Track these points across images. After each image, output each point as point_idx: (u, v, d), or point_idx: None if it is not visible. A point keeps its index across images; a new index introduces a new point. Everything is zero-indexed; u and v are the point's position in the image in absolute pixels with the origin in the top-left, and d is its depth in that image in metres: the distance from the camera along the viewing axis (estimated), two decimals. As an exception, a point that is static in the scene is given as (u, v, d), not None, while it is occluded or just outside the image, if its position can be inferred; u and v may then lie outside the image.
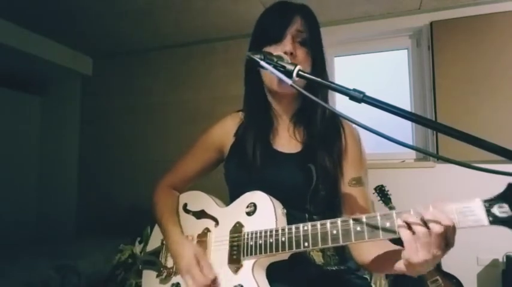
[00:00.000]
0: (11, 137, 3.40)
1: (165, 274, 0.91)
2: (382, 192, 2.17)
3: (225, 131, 1.04)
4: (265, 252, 0.76)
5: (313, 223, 0.72)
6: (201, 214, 0.95)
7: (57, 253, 2.33)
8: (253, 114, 0.98)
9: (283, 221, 0.80)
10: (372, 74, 2.87)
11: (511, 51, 2.34)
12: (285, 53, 0.84)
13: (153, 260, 0.96)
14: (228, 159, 1.01)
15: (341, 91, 0.62)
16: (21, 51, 2.81)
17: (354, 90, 0.61)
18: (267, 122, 0.98)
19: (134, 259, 2.00)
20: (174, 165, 1.09)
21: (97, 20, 2.69)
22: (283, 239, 0.74)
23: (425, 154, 2.75)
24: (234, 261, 0.80)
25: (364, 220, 0.66)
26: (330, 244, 0.69)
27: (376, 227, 0.65)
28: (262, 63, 0.71)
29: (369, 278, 0.95)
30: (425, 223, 0.59)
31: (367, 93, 0.60)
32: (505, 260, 2.23)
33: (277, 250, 0.75)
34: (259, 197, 0.83)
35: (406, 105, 2.68)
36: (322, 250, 0.88)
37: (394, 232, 0.63)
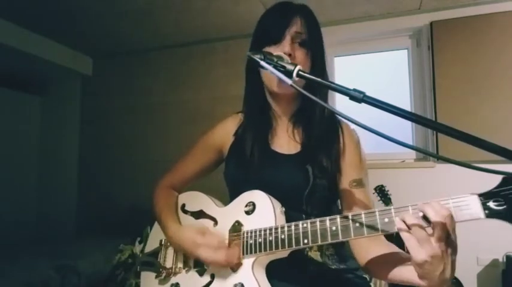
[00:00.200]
0: (11, 137, 3.41)
1: (164, 275, 0.91)
2: (382, 192, 2.17)
3: (226, 132, 1.04)
4: (265, 250, 0.76)
5: (313, 220, 0.72)
6: (199, 214, 0.95)
7: (57, 253, 2.33)
8: (252, 115, 0.99)
9: (282, 220, 0.80)
10: (372, 74, 2.87)
11: (511, 51, 2.34)
12: (284, 53, 0.84)
13: (152, 261, 0.96)
14: (227, 159, 1.01)
15: (341, 91, 0.62)
16: (21, 51, 2.81)
17: (354, 90, 0.61)
18: (266, 123, 0.99)
19: (134, 259, 2.00)
20: (174, 165, 1.10)
21: (97, 20, 2.69)
22: (282, 236, 0.75)
23: (425, 154, 2.75)
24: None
25: (362, 216, 0.67)
26: (329, 240, 0.70)
27: (375, 223, 0.65)
28: (262, 63, 0.71)
29: (368, 277, 0.95)
30: (425, 218, 0.59)
31: (367, 93, 0.60)
32: (505, 260, 2.23)
33: (276, 247, 0.75)
34: (258, 196, 0.84)
35: (406, 105, 2.69)
36: (321, 250, 0.88)
37: (392, 227, 0.63)
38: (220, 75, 3.02)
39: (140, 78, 3.30)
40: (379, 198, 2.15)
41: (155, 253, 0.98)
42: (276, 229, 0.76)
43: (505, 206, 0.56)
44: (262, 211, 0.81)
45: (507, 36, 2.35)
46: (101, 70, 3.45)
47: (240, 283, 0.77)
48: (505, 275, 2.18)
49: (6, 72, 3.36)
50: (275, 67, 0.70)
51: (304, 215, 0.86)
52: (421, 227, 0.59)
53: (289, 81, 0.68)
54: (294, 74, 0.68)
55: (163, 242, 0.97)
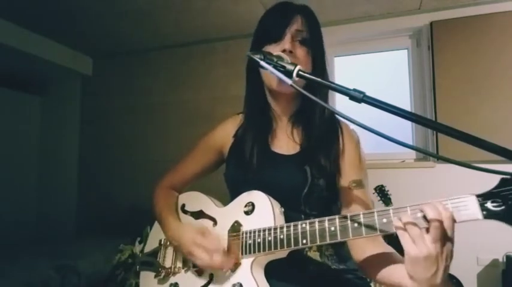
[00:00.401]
0: (11, 137, 3.41)
1: (163, 274, 0.91)
2: (382, 192, 2.17)
3: (226, 133, 1.04)
4: (264, 250, 0.76)
5: (311, 220, 0.72)
6: (199, 215, 0.95)
7: (57, 253, 2.33)
8: (252, 116, 0.99)
9: (281, 220, 0.80)
10: (372, 74, 2.87)
11: (511, 51, 2.34)
12: (284, 51, 0.85)
13: (151, 261, 0.97)
14: (227, 160, 1.02)
15: (341, 91, 0.62)
16: (21, 51, 2.81)
17: (354, 90, 0.61)
18: (266, 123, 0.99)
19: (134, 259, 2.00)
20: (174, 166, 1.10)
21: (97, 20, 2.69)
22: (281, 236, 0.75)
23: (425, 154, 2.75)
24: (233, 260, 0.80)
25: (361, 216, 0.67)
26: (328, 241, 0.70)
27: (373, 223, 0.65)
28: (262, 63, 0.71)
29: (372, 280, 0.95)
30: (425, 218, 0.59)
31: (367, 93, 0.60)
32: (505, 260, 2.23)
33: (275, 247, 0.75)
34: (257, 196, 0.84)
35: (406, 105, 2.69)
36: (320, 250, 0.88)
37: (390, 227, 0.63)
38: (220, 75, 3.02)
39: (140, 78, 3.30)
40: (379, 198, 2.15)
41: (154, 253, 0.98)
42: (275, 229, 0.76)
43: (503, 207, 0.56)
44: (261, 211, 0.81)
45: (507, 36, 2.35)
46: (101, 70, 3.45)
47: (238, 283, 0.77)
48: (505, 275, 2.18)
49: (6, 72, 3.36)
50: (275, 67, 0.70)
51: (303, 216, 0.86)
52: (415, 224, 0.59)
53: (289, 81, 0.68)
54: (294, 74, 0.68)
55: (162, 242, 0.97)
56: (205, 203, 0.97)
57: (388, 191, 2.17)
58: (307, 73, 0.69)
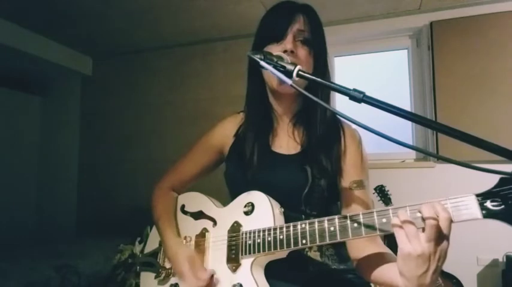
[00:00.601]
0: (11, 137, 3.40)
1: (163, 275, 0.91)
2: (382, 192, 2.17)
3: (225, 132, 1.04)
4: (264, 250, 0.76)
5: (311, 220, 0.73)
6: (199, 215, 0.95)
7: (57, 253, 2.33)
8: (254, 115, 0.98)
9: (281, 220, 0.80)
10: (372, 74, 2.88)
11: (511, 51, 2.34)
12: (285, 51, 0.84)
13: (151, 262, 0.96)
14: (227, 159, 1.01)
15: (341, 91, 0.62)
16: (21, 51, 2.81)
17: (354, 90, 0.60)
18: (267, 123, 0.99)
19: (134, 259, 2.00)
20: (174, 166, 1.09)
21: (97, 20, 2.69)
22: (281, 237, 0.75)
23: (425, 154, 2.75)
24: (233, 260, 0.81)
25: (361, 216, 0.67)
26: (327, 241, 0.70)
27: (373, 223, 0.65)
28: (262, 63, 0.71)
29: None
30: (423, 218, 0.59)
31: (367, 93, 0.60)
32: (505, 260, 2.23)
33: (275, 248, 0.75)
34: (256, 196, 0.84)
35: (406, 105, 2.69)
36: (320, 250, 0.88)
37: (390, 227, 0.63)
38: (220, 75, 3.02)
39: (140, 78, 3.30)
40: (379, 198, 2.16)
41: (155, 254, 0.98)
42: (275, 229, 0.76)
43: (502, 207, 0.56)
44: (261, 212, 0.81)
45: (507, 36, 2.35)
46: (101, 70, 3.45)
47: (238, 283, 0.77)
48: (505, 275, 2.18)
49: (6, 72, 3.36)
50: (275, 67, 0.70)
51: (303, 216, 0.86)
52: (411, 223, 0.59)
53: (289, 81, 0.68)
54: (294, 74, 0.68)
55: (162, 243, 0.97)
56: (205, 203, 0.96)
57: (388, 191, 2.17)
58: (307, 73, 0.69)
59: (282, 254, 0.79)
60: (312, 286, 0.83)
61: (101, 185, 3.30)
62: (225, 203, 0.94)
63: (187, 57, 3.16)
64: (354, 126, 0.96)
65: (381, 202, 2.13)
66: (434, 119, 2.37)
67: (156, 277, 0.93)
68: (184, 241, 0.92)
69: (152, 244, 1.01)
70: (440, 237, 0.58)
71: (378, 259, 0.76)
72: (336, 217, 0.70)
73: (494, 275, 2.27)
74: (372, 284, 0.88)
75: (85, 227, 3.25)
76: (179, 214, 1.00)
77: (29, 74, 3.51)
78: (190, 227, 0.94)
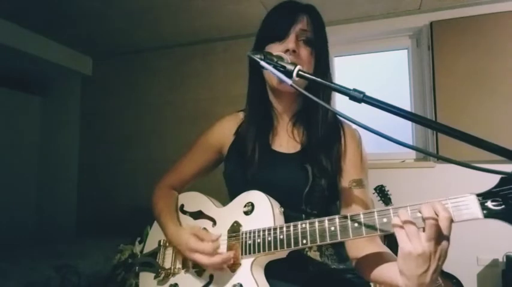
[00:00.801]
0: (11, 137, 3.40)
1: (162, 275, 0.91)
2: (382, 192, 2.17)
3: (224, 131, 1.04)
4: (264, 250, 0.76)
5: (311, 220, 0.72)
6: (198, 215, 0.95)
7: (57, 253, 2.33)
8: (254, 114, 0.98)
9: (280, 220, 0.80)
10: (372, 74, 2.87)
11: (511, 51, 2.34)
12: (287, 50, 0.84)
13: (151, 262, 0.96)
14: (227, 158, 1.01)
15: (341, 91, 0.62)
16: (21, 51, 2.80)
17: (354, 90, 0.61)
18: (268, 122, 0.99)
19: (134, 259, 2.00)
20: (173, 166, 1.10)
21: (97, 20, 2.69)
22: (281, 237, 0.75)
23: (425, 154, 2.75)
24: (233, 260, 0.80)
25: (361, 216, 0.67)
26: (328, 241, 0.70)
27: (373, 223, 0.65)
28: (262, 63, 0.71)
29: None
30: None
31: (367, 93, 0.60)
32: (505, 260, 2.23)
33: (275, 248, 0.75)
34: (256, 196, 0.84)
35: (406, 105, 2.69)
36: (320, 250, 0.88)
37: (391, 227, 0.63)
38: (220, 75, 3.02)
39: (140, 78, 3.30)
40: (379, 198, 2.16)
41: (154, 254, 0.98)
42: (275, 229, 0.76)
43: (503, 206, 0.56)
44: (260, 211, 0.81)
45: (507, 36, 2.35)
46: (101, 70, 3.45)
47: (238, 283, 0.77)
48: (505, 275, 2.18)
49: (6, 72, 3.36)
50: (275, 67, 0.70)
51: (303, 215, 0.86)
52: (412, 223, 0.59)
53: (289, 81, 0.68)
54: (294, 74, 0.68)
55: (162, 243, 0.97)
56: (204, 203, 0.96)
57: (388, 191, 2.17)
58: (307, 73, 0.69)
59: (282, 254, 0.79)
60: (312, 286, 0.83)
61: (101, 185, 3.30)
62: (224, 203, 0.94)
63: (187, 57, 3.16)
64: (354, 126, 0.96)
65: (381, 202, 2.13)
66: (434, 119, 2.37)
67: (155, 277, 0.92)
68: None
69: (151, 244, 1.01)
70: (440, 236, 0.58)
71: (377, 259, 0.76)
72: (337, 216, 0.70)
73: (494, 275, 2.27)
74: (372, 284, 0.88)
75: (85, 227, 3.25)
76: (178, 213, 1.00)
77: (29, 74, 3.50)
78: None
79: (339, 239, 0.68)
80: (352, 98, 0.61)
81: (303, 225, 0.73)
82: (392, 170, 2.53)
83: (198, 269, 0.87)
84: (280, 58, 0.73)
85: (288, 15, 0.89)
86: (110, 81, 3.41)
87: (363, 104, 0.60)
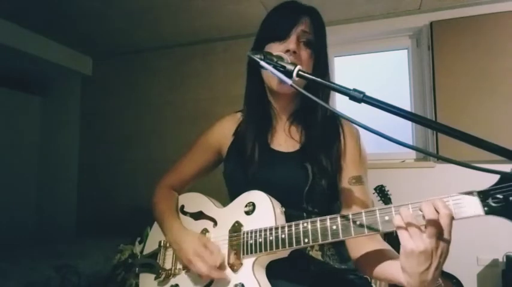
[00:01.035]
0: (11, 137, 3.40)
1: (163, 276, 0.91)
2: (382, 192, 2.17)
3: (223, 131, 1.04)
4: (265, 250, 0.76)
5: (313, 219, 0.72)
6: (199, 215, 0.95)
7: (57, 253, 2.33)
8: (253, 113, 0.98)
9: (282, 220, 0.80)
10: (372, 74, 2.87)
11: (511, 51, 2.34)
12: (288, 51, 0.84)
13: (151, 263, 0.96)
14: (226, 158, 1.01)
15: (341, 91, 0.62)
16: (21, 51, 2.80)
17: (354, 90, 0.60)
18: (266, 121, 0.99)
19: (134, 259, 2.00)
20: (173, 166, 1.10)
21: (97, 20, 2.69)
22: (283, 236, 0.75)
23: (425, 154, 2.75)
24: (234, 260, 0.80)
25: (363, 214, 0.67)
26: (330, 239, 0.70)
27: (375, 222, 0.65)
28: (262, 63, 0.71)
29: (369, 278, 0.95)
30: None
31: (367, 93, 0.60)
32: (505, 260, 2.23)
33: (277, 247, 0.75)
34: (257, 196, 0.84)
35: (406, 105, 2.69)
36: (322, 250, 0.88)
37: (392, 225, 0.63)
38: (220, 75, 3.02)
39: (140, 78, 3.30)
40: (379, 198, 2.15)
41: (154, 255, 0.97)
42: (276, 228, 0.76)
43: (504, 203, 0.56)
44: (262, 211, 0.81)
45: (507, 36, 2.35)
46: (101, 70, 3.45)
47: (240, 283, 0.77)
48: (505, 275, 2.18)
49: (6, 72, 3.36)
50: (275, 67, 0.70)
51: (305, 214, 0.86)
52: (413, 220, 0.59)
53: (289, 81, 0.68)
54: (294, 74, 0.68)
55: (162, 244, 0.97)
56: (205, 203, 0.96)
57: (388, 191, 2.17)
58: (307, 73, 0.69)
59: (283, 253, 0.79)
60: (314, 286, 0.83)
61: (101, 185, 3.30)
62: (225, 203, 0.94)
63: (187, 57, 3.16)
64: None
65: (381, 202, 2.13)
66: (434, 119, 2.37)
67: (156, 278, 0.92)
68: None
69: (152, 244, 1.01)
70: (441, 234, 0.58)
71: (379, 256, 0.76)
72: (338, 215, 0.70)
73: (494, 275, 2.27)
74: (374, 285, 0.88)
75: (85, 227, 3.25)
76: (179, 214, 0.99)
77: (29, 74, 3.50)
78: (190, 227, 0.93)
79: (341, 237, 0.68)
80: (352, 98, 0.61)
81: (305, 224, 0.73)
82: (392, 170, 2.53)
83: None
84: (280, 58, 0.72)
85: (290, 16, 0.89)
86: (110, 81, 3.41)
87: (363, 104, 0.60)
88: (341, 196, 0.90)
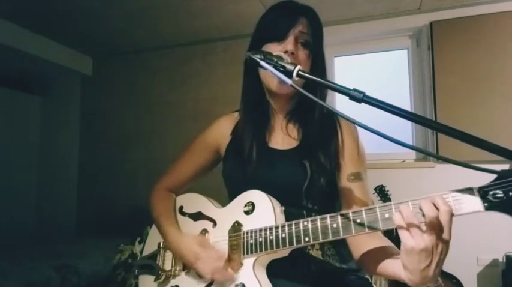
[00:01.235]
0: (11, 137, 3.40)
1: (163, 277, 0.90)
2: (382, 192, 2.17)
3: (220, 131, 1.04)
4: (266, 249, 0.76)
5: (313, 218, 0.72)
6: (198, 216, 0.95)
7: (57, 253, 2.33)
8: (250, 112, 0.98)
9: (282, 219, 0.80)
10: (372, 74, 2.87)
11: (511, 51, 2.34)
12: (286, 52, 0.84)
13: (150, 264, 0.95)
14: (225, 158, 1.01)
15: (341, 91, 0.62)
16: (21, 51, 2.81)
17: (354, 90, 0.60)
18: (264, 120, 0.99)
19: (134, 259, 2.00)
20: (171, 167, 1.09)
21: (97, 20, 2.69)
22: (283, 235, 0.75)
23: (425, 154, 2.75)
24: (234, 260, 0.80)
25: (363, 212, 0.67)
26: (330, 238, 0.69)
27: (375, 219, 0.65)
28: (262, 63, 0.71)
29: (369, 278, 0.95)
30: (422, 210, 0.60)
31: (367, 93, 0.60)
32: (505, 260, 2.23)
33: (277, 246, 0.75)
34: (257, 195, 0.83)
35: (406, 105, 2.69)
36: (322, 249, 0.88)
37: (393, 223, 0.63)
38: (220, 75, 3.02)
39: (140, 78, 3.30)
40: (379, 198, 2.16)
41: (154, 256, 0.97)
42: (277, 227, 0.76)
43: (504, 198, 0.56)
44: (261, 211, 0.81)
45: (507, 36, 2.35)
46: (101, 70, 3.45)
47: (241, 283, 0.77)
48: (505, 275, 2.18)
49: (6, 72, 3.36)
50: (275, 67, 0.70)
51: (305, 212, 0.86)
52: (413, 217, 0.59)
53: (289, 81, 0.68)
54: (294, 74, 0.68)
55: (161, 245, 0.96)
56: (203, 204, 0.96)
57: (388, 191, 2.17)
58: (307, 73, 0.69)
59: (284, 252, 0.79)
60: (314, 285, 0.83)
61: (101, 185, 3.30)
62: (224, 204, 0.93)
63: (187, 57, 3.16)
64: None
65: (381, 202, 2.12)
66: (434, 119, 2.37)
67: (156, 280, 0.92)
68: None
69: (151, 246, 1.01)
70: (441, 230, 0.58)
71: (380, 253, 0.76)
72: (338, 213, 0.70)
73: (494, 275, 2.27)
74: (374, 286, 0.88)
75: (85, 227, 3.25)
76: (178, 215, 0.99)
77: (29, 74, 3.50)
78: (189, 228, 0.93)
79: (341, 235, 0.68)
80: (352, 98, 0.61)
81: (305, 223, 0.73)
82: (392, 170, 2.53)
83: (199, 271, 0.87)
84: (280, 58, 0.72)
85: (288, 16, 0.89)
86: (110, 81, 3.41)
87: (362, 104, 0.60)
88: (340, 193, 0.90)
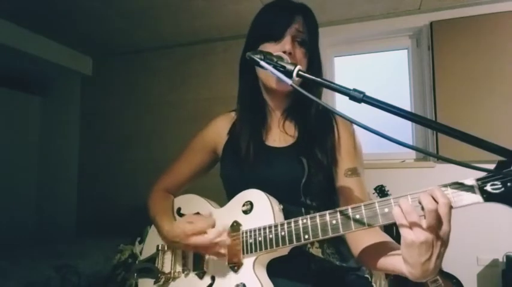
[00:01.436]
0: (11, 137, 3.40)
1: (163, 280, 0.90)
2: (382, 192, 2.17)
3: (218, 130, 1.04)
4: (265, 248, 0.76)
5: (312, 215, 0.72)
6: None
7: (57, 253, 2.33)
8: (246, 112, 0.98)
9: (280, 218, 0.80)
10: (372, 74, 2.87)
11: (511, 51, 2.34)
12: (284, 52, 0.84)
13: (149, 267, 0.95)
14: (222, 158, 1.01)
15: (341, 91, 0.62)
16: (21, 51, 2.81)
17: (354, 90, 0.60)
18: (261, 119, 0.99)
19: (134, 259, 2.00)
20: (168, 168, 1.09)
21: (97, 20, 2.69)
22: (282, 233, 0.74)
23: (425, 154, 2.75)
24: (234, 260, 0.80)
25: (362, 207, 0.67)
26: (330, 234, 0.69)
27: (375, 214, 0.65)
28: (262, 63, 0.71)
29: (369, 277, 0.94)
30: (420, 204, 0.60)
31: (367, 93, 0.60)
32: (505, 260, 2.23)
33: (277, 245, 0.75)
34: (255, 194, 0.83)
35: (406, 105, 2.69)
36: (322, 247, 0.88)
37: (392, 217, 0.63)
38: (220, 75, 3.02)
39: (140, 78, 3.30)
40: (379, 198, 2.15)
41: (152, 259, 0.97)
42: (276, 226, 0.76)
43: (502, 189, 0.56)
44: (260, 210, 0.81)
45: (507, 36, 2.35)
46: (101, 70, 3.45)
47: (241, 283, 0.76)
48: (505, 275, 2.18)
49: (6, 72, 3.36)
50: (275, 67, 0.70)
51: (303, 209, 0.86)
52: (412, 211, 0.59)
53: (289, 81, 0.68)
54: (294, 74, 0.68)
55: (160, 247, 0.96)
56: (201, 205, 0.96)
57: (388, 191, 2.17)
58: (307, 73, 0.69)
59: (283, 251, 0.78)
60: (314, 283, 0.82)
61: (101, 185, 3.30)
62: (222, 205, 0.93)
63: (187, 57, 3.16)
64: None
65: (381, 202, 2.13)
66: (434, 119, 2.37)
67: (155, 283, 0.91)
68: None
69: (149, 249, 1.00)
70: (441, 223, 0.58)
71: (380, 248, 0.76)
72: (337, 209, 0.70)
73: (494, 275, 2.27)
74: (374, 285, 0.88)
75: (85, 227, 3.25)
76: (175, 217, 0.98)
77: (29, 74, 3.51)
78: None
79: (341, 232, 0.68)
80: (352, 98, 0.61)
81: (304, 220, 0.73)
82: (392, 170, 2.53)
83: (199, 272, 0.86)
84: (280, 58, 0.73)
85: (284, 16, 0.89)
86: (110, 81, 3.41)
87: (362, 104, 0.60)
88: (338, 188, 0.90)
